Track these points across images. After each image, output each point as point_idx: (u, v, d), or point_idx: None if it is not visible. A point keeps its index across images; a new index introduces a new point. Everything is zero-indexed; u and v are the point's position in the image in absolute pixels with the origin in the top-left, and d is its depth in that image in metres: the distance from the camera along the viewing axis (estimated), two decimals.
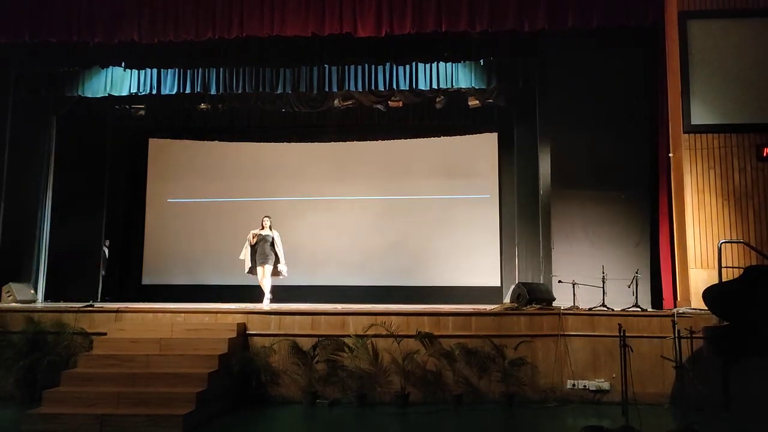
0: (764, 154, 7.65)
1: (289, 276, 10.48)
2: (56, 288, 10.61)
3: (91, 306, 8.32)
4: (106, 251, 12.05)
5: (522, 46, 9.06)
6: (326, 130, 12.65)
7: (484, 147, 12.40)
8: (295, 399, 7.36)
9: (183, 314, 7.90)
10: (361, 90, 10.12)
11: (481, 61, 9.60)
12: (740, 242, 7.41)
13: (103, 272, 11.78)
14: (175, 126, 12.62)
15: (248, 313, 7.84)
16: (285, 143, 13.04)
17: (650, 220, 8.69)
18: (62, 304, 8.83)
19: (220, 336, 7.33)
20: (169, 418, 5.96)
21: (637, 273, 7.85)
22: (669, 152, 8.19)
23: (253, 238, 9.90)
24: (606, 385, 7.16)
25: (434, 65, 9.67)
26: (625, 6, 8.23)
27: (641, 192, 8.78)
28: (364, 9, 8.39)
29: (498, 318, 7.56)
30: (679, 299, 7.82)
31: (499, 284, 11.72)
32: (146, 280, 12.78)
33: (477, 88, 10.09)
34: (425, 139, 12.61)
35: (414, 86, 9.83)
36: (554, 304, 8.05)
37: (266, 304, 9.41)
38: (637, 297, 7.74)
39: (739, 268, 7.02)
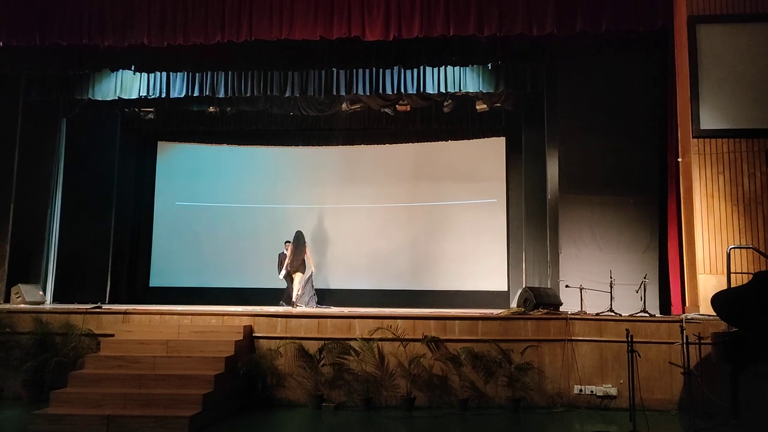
0: None
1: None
2: (65, 289, 10.67)
3: (99, 307, 8.36)
4: (287, 251, 11.66)
5: (530, 50, 9.04)
6: (334, 134, 12.69)
7: (492, 151, 12.38)
8: (301, 402, 7.36)
9: (190, 316, 7.91)
10: (368, 94, 10.14)
11: (489, 65, 9.60)
12: (749, 248, 7.34)
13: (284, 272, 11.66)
14: (184, 129, 12.67)
15: (255, 315, 7.85)
16: (292, 147, 13.09)
17: (659, 225, 8.63)
18: (70, 306, 8.87)
19: (226, 338, 7.34)
20: (176, 419, 5.98)
21: (645, 278, 7.80)
22: (678, 157, 8.15)
23: None
24: (613, 391, 7.11)
25: (442, 69, 9.67)
26: (635, 10, 8.20)
27: (650, 197, 8.73)
28: (373, 13, 8.40)
29: (505, 322, 7.53)
30: (687, 305, 7.76)
31: (506, 288, 11.68)
32: (154, 282, 12.82)
33: (485, 92, 10.09)
34: (433, 143, 12.61)
35: (422, 90, 9.83)
36: (561, 308, 8.00)
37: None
38: (645, 302, 7.69)
39: (748, 273, 6.97)
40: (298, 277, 10.35)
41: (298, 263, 10.35)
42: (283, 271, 10.57)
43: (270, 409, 7.19)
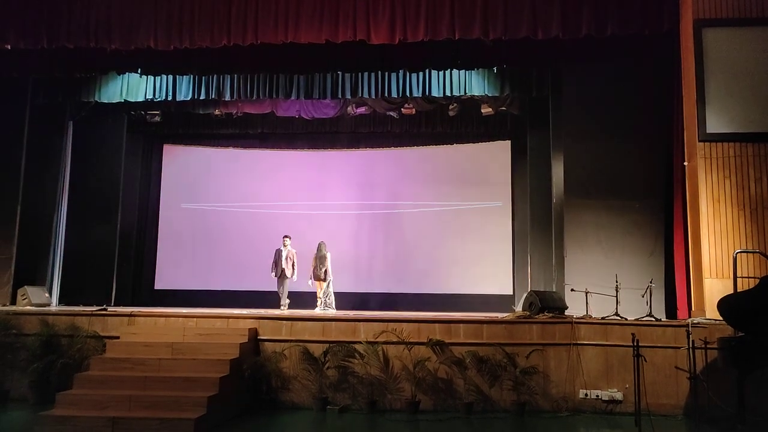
0: None
1: (300, 283, 10.67)
2: (70, 291, 10.71)
3: (105, 310, 8.40)
4: (284, 248, 10.99)
5: (536, 53, 9.02)
6: (339, 137, 12.71)
7: (497, 155, 12.39)
8: (306, 405, 7.37)
9: (195, 319, 7.94)
10: (374, 97, 10.16)
11: (495, 68, 9.60)
12: (756, 252, 7.32)
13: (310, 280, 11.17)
14: (190, 132, 12.73)
15: (260, 318, 7.86)
16: (298, 150, 13.12)
17: (665, 229, 8.61)
18: (76, 308, 8.90)
19: (231, 341, 7.35)
20: (181, 421, 6.00)
21: (651, 282, 7.78)
22: (684, 161, 8.13)
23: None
24: (619, 396, 7.09)
25: (447, 72, 9.69)
26: (640, 14, 8.18)
27: (656, 201, 8.71)
28: (378, 16, 8.41)
29: (510, 326, 7.52)
30: (693, 309, 7.73)
31: (511, 292, 11.67)
32: (159, 285, 12.86)
33: (490, 95, 10.10)
34: (438, 146, 12.63)
35: (427, 93, 9.85)
36: (567, 312, 7.99)
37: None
38: (651, 306, 7.66)
39: (754, 278, 6.93)
40: (322, 284, 10.66)
41: (321, 271, 10.65)
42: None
43: (274, 412, 7.20)
